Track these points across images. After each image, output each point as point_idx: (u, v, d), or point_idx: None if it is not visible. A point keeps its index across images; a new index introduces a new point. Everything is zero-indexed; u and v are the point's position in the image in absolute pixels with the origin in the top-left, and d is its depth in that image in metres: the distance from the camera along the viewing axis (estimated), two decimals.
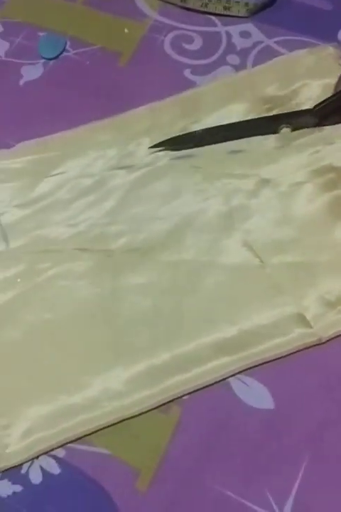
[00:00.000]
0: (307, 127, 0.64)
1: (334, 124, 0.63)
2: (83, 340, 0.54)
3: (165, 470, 0.49)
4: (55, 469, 0.49)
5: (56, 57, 0.72)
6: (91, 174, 0.64)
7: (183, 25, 0.73)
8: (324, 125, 0.64)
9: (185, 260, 0.58)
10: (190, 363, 0.52)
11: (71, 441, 0.50)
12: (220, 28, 0.72)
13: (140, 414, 0.51)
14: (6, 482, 0.49)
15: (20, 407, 0.51)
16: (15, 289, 0.57)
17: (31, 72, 0.71)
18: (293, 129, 0.63)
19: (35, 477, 0.49)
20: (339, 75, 0.65)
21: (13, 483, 0.49)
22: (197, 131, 0.64)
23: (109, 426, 0.50)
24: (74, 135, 0.66)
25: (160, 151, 0.64)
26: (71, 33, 0.73)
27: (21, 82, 0.70)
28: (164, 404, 0.51)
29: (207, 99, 0.67)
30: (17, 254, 0.59)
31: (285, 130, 0.63)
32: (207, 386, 0.52)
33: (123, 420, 0.51)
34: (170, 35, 0.72)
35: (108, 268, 0.58)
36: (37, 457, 0.50)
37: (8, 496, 0.48)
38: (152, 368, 0.52)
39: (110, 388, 0.52)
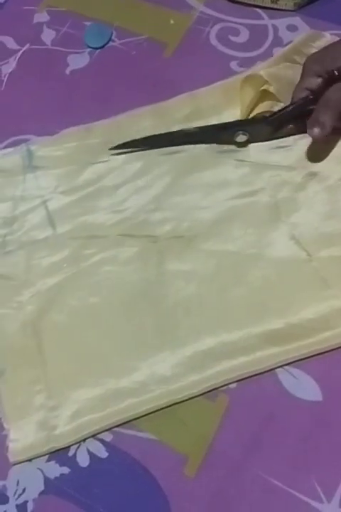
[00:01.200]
0: (263, 136, 0.63)
1: (289, 134, 0.63)
2: (129, 325, 0.55)
3: (213, 457, 0.49)
4: (102, 453, 0.49)
5: (102, 47, 0.72)
6: (136, 161, 0.64)
7: (229, 18, 0.72)
8: (279, 135, 0.63)
9: (230, 251, 0.58)
10: (236, 351, 0.52)
11: (118, 425, 0.50)
12: (267, 21, 0.72)
13: (187, 400, 0.51)
14: (53, 464, 0.49)
15: (68, 389, 0.52)
16: (61, 273, 0.58)
17: (77, 60, 0.71)
18: (250, 137, 0.63)
19: (83, 460, 0.49)
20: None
21: (61, 465, 0.49)
22: (155, 135, 0.64)
23: (156, 411, 0.51)
24: (116, 122, 0.66)
25: (199, 143, 0.64)
26: (117, 23, 0.73)
27: (67, 71, 0.71)
28: (211, 390, 0.51)
29: None
30: (63, 240, 0.60)
31: (241, 137, 0.63)
32: (254, 376, 0.52)
33: (170, 406, 0.51)
34: (216, 27, 0.72)
35: (153, 254, 0.58)
36: (84, 440, 0.50)
37: (56, 478, 0.49)
38: (198, 353, 0.52)
39: (157, 372, 0.52)
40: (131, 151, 0.64)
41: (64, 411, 0.51)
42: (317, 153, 0.62)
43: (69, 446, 0.50)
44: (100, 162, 0.64)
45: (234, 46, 0.70)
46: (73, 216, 0.61)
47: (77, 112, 0.68)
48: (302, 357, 0.52)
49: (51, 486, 0.48)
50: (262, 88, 0.62)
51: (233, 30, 0.72)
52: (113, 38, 0.72)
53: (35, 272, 0.58)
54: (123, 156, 0.64)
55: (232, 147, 0.64)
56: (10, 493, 0.48)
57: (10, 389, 0.52)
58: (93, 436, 0.50)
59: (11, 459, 0.49)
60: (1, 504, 0.48)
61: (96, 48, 0.72)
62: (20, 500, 0.48)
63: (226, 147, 0.64)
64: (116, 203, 0.62)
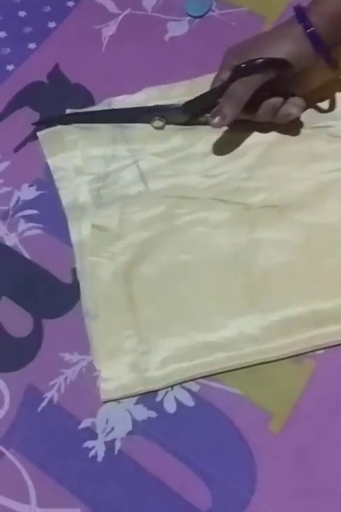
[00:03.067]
0: (180, 122, 0.65)
1: (206, 122, 0.63)
2: (218, 284, 0.56)
3: (298, 417, 0.49)
4: (189, 402, 0.51)
5: (202, 16, 0.73)
6: (226, 131, 0.65)
7: None
8: (195, 122, 0.65)
9: (321, 223, 0.58)
10: (326, 319, 0.53)
11: (205, 377, 0.51)
12: None
13: (274, 361, 0.52)
14: (141, 407, 0.51)
15: (158, 337, 0.53)
16: (153, 229, 0.59)
17: (177, 28, 0.73)
18: (166, 122, 0.65)
19: (170, 406, 0.51)
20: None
21: (149, 409, 0.51)
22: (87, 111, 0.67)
23: (242, 368, 0.52)
24: (196, 82, 0.67)
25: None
26: None
27: (166, 38, 0.72)
28: (298, 355, 0.52)
29: None
30: (156, 198, 0.61)
31: (157, 123, 0.65)
32: None
33: (257, 365, 0.52)
34: None
35: (244, 221, 0.59)
36: (172, 388, 0.51)
37: (143, 420, 0.50)
38: (287, 318, 0.53)
39: (246, 332, 0.53)
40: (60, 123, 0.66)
41: (154, 356, 0.52)
42: None
43: (156, 392, 0.51)
44: (187, 129, 0.65)
45: None
46: (165, 176, 0.63)
47: (174, 78, 0.69)
48: None
49: (138, 428, 0.50)
50: None
51: None
52: (213, 7, 0.73)
53: (128, 225, 0.60)
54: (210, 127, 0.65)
55: (326, 122, 0.64)
56: (99, 430, 0.50)
57: (102, 332, 0.54)
58: (180, 384, 0.51)
59: (103, 397, 0.51)
60: (91, 440, 0.50)
61: (196, 17, 0.73)
62: (109, 438, 0.50)
63: (322, 122, 0.64)
64: (207, 169, 0.63)
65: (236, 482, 0.47)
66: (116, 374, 0.52)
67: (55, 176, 0.62)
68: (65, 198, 0.61)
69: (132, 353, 0.52)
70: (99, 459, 0.49)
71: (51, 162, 0.64)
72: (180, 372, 0.51)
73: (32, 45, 0.72)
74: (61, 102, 0.68)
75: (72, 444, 0.50)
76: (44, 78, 0.70)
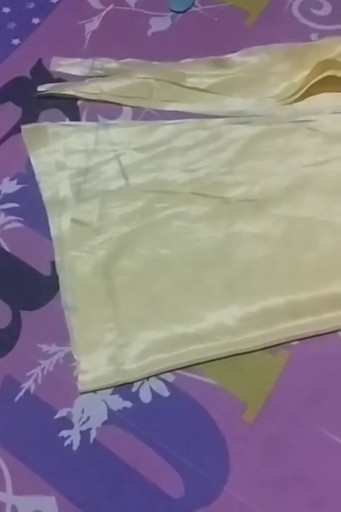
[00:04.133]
0: None
1: None
2: (197, 278, 0.56)
3: (272, 407, 0.50)
4: (164, 392, 0.51)
5: (185, 12, 0.73)
6: (206, 128, 0.65)
7: None
8: None
9: (300, 217, 0.59)
10: (303, 311, 0.53)
11: (181, 368, 0.52)
12: None
13: (249, 352, 0.52)
14: (117, 397, 0.51)
15: (137, 329, 0.54)
16: (133, 223, 0.60)
17: (159, 23, 0.73)
18: None
19: (145, 396, 0.51)
20: None
21: (124, 399, 0.51)
22: None
23: (218, 359, 0.52)
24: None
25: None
26: None
27: (149, 33, 0.73)
28: (273, 346, 0.52)
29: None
30: (136, 192, 0.62)
31: None
32: (317, 336, 0.52)
33: (233, 356, 0.52)
34: (299, 0, 0.72)
35: (224, 214, 0.60)
36: (147, 379, 0.52)
37: (119, 410, 0.51)
38: (265, 310, 0.54)
39: (223, 324, 0.53)
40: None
41: (132, 349, 0.53)
42: None
43: (132, 383, 0.52)
44: (171, 124, 0.66)
45: (315, 19, 0.71)
46: (146, 171, 0.63)
47: None
48: None
49: (114, 418, 0.50)
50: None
51: (316, 3, 0.72)
52: (196, 3, 0.74)
53: (108, 219, 0.60)
54: (193, 120, 0.66)
55: (306, 117, 0.65)
56: (75, 420, 0.50)
57: (82, 324, 0.54)
58: (156, 375, 0.52)
59: (80, 388, 0.51)
60: (67, 429, 0.50)
61: (179, 12, 0.73)
62: (84, 428, 0.50)
63: (302, 117, 0.65)
64: (187, 163, 0.63)
65: (209, 471, 0.48)
66: (94, 366, 0.52)
67: (36, 171, 0.63)
68: (46, 192, 0.62)
69: (111, 346, 0.53)
70: (75, 447, 0.49)
71: (33, 156, 0.64)
72: (156, 363, 0.52)
73: (16, 41, 0.73)
74: (43, 97, 0.68)
75: (48, 434, 0.50)
76: (27, 74, 0.71)
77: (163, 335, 0.53)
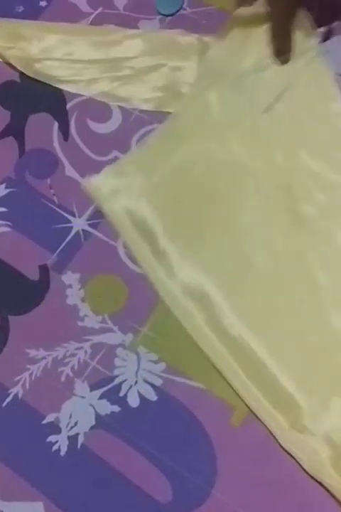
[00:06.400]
0: None
1: None
2: None
3: None
4: (152, 396, 0.51)
5: (173, 15, 0.73)
6: None
7: None
8: None
9: None
10: None
11: (169, 373, 0.52)
12: None
13: None
14: (104, 402, 0.51)
15: None
16: None
17: (148, 26, 0.73)
18: None
19: (133, 401, 0.51)
20: None
21: (112, 403, 0.51)
22: None
23: (206, 362, 0.52)
24: None
25: None
26: None
27: None
28: None
29: None
30: None
31: None
32: None
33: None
34: None
35: None
36: (135, 383, 0.52)
37: (107, 415, 0.51)
38: None
39: None
40: None
41: None
42: None
43: (120, 387, 0.52)
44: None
45: None
46: None
47: None
48: None
49: (102, 422, 0.50)
50: None
51: None
52: (184, 6, 0.74)
53: None
54: None
55: None
56: (62, 425, 0.50)
57: None
58: (144, 380, 0.52)
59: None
60: (54, 434, 0.50)
61: (167, 15, 0.73)
62: (72, 433, 0.50)
63: None
64: None
65: (197, 475, 0.48)
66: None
67: None
68: None
69: None
70: (62, 453, 0.49)
71: None
72: None
73: None
74: (33, 102, 0.68)
75: (36, 439, 0.50)
76: (16, 77, 0.70)
77: None
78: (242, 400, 0.50)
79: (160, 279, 0.56)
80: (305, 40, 0.65)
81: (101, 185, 0.61)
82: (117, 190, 0.61)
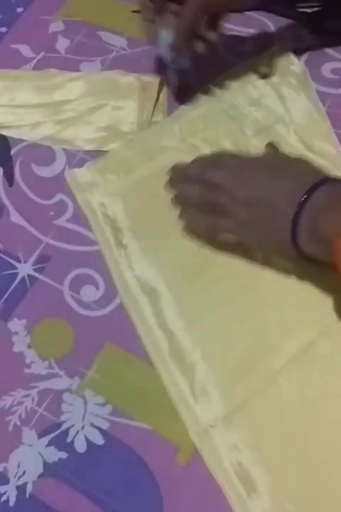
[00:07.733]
0: None
1: None
2: None
3: None
4: (99, 440, 0.52)
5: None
6: None
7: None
8: None
9: None
10: None
11: (115, 415, 0.52)
12: None
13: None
14: (52, 448, 0.52)
15: None
16: None
17: (90, 68, 0.74)
18: None
19: (80, 446, 0.52)
20: None
21: (59, 450, 0.52)
22: None
23: (152, 404, 0.53)
24: None
25: None
26: (129, 33, 0.76)
27: None
28: None
29: None
30: None
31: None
32: None
33: (165, 399, 0.53)
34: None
35: None
36: (82, 428, 0.52)
37: (54, 462, 0.51)
38: None
39: None
40: None
41: None
42: None
43: (67, 433, 0.52)
44: None
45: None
46: None
47: None
48: None
49: (49, 470, 0.51)
50: None
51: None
52: (124, 46, 0.75)
53: None
54: None
55: None
56: (11, 475, 0.51)
57: None
58: (91, 424, 0.52)
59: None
60: (2, 485, 0.50)
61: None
62: (20, 482, 0.50)
63: None
64: None
65: None
66: None
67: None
68: None
69: None
70: (11, 503, 0.50)
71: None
72: None
73: None
74: None
75: None
76: None
77: None
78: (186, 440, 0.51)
79: (119, 270, 0.60)
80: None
81: (81, 177, 0.66)
82: (95, 184, 0.65)
